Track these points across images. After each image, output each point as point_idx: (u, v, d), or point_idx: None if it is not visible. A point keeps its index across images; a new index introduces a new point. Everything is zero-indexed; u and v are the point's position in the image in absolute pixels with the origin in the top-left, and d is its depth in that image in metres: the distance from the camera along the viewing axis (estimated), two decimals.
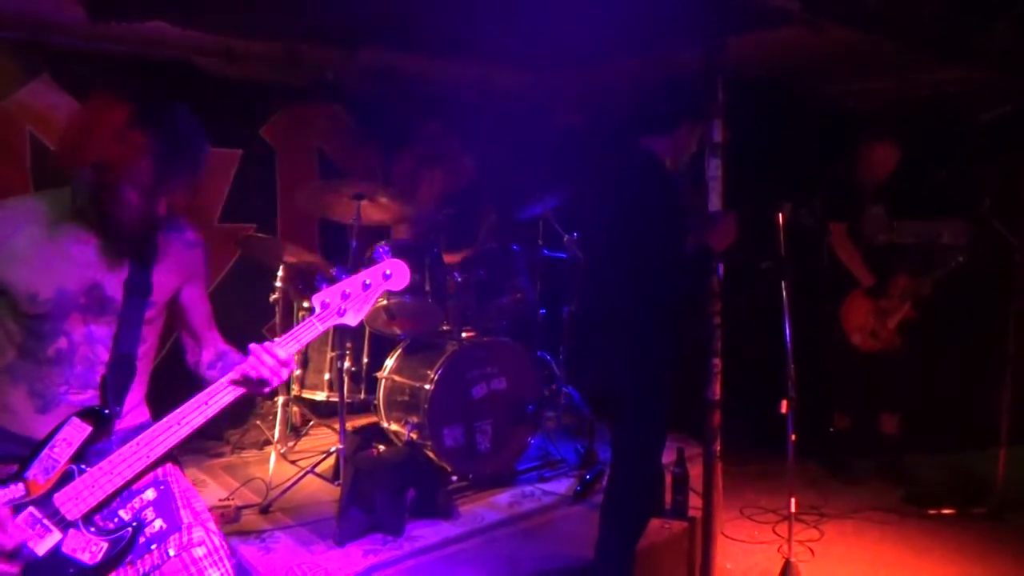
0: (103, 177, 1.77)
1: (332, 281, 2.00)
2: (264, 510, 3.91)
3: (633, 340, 2.96)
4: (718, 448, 3.03)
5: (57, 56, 4.38)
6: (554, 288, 5.73)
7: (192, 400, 1.85)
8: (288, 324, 4.59)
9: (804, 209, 4.97)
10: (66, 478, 1.77)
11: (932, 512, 4.01)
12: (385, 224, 4.82)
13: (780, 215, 3.29)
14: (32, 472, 1.76)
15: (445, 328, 4.50)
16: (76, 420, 1.81)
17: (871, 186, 4.48)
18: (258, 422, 5.01)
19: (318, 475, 4.22)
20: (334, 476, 4.16)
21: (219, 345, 2.14)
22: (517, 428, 4.43)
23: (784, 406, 3.12)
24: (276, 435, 4.59)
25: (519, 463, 4.51)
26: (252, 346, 1.88)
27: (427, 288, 4.14)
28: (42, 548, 1.71)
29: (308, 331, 1.94)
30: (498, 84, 5.92)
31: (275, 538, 3.64)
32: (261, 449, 4.88)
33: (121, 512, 1.87)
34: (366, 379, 4.76)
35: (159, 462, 1.92)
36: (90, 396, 1.89)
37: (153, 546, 1.84)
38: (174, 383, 2.07)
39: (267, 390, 1.91)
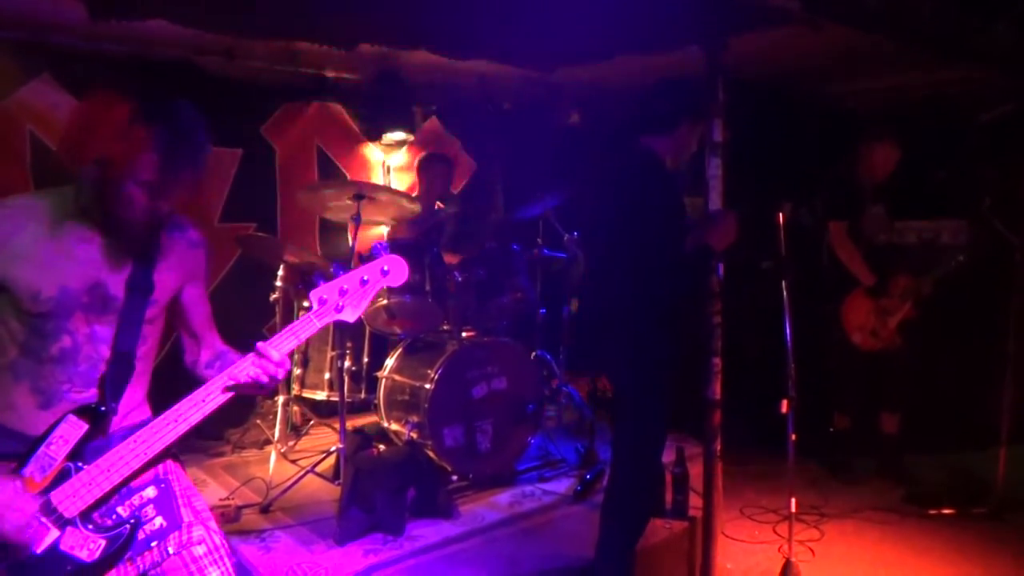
0: (106, 174, 1.76)
1: (330, 278, 1.99)
2: (264, 509, 3.91)
3: (633, 340, 2.96)
4: (718, 448, 3.03)
5: (58, 55, 4.39)
6: (554, 287, 5.74)
7: (189, 397, 1.85)
8: (288, 323, 4.58)
9: (804, 208, 4.98)
10: (63, 476, 1.76)
11: (932, 512, 4.01)
12: (385, 223, 4.82)
13: (780, 214, 3.28)
14: (29, 470, 1.75)
15: (445, 328, 4.50)
16: (72, 417, 1.80)
17: (871, 186, 4.48)
18: (258, 421, 5.01)
19: (318, 474, 4.22)
20: (334, 475, 4.16)
21: (217, 345, 2.14)
22: (517, 428, 4.43)
23: (784, 405, 3.11)
24: (276, 434, 4.60)
25: (519, 463, 4.51)
26: (256, 345, 1.88)
27: (427, 288, 4.14)
28: (40, 546, 1.70)
29: (306, 327, 1.94)
30: (499, 83, 5.92)
31: (275, 537, 3.64)
32: (261, 448, 4.88)
33: (120, 509, 1.86)
34: (366, 378, 4.76)
35: (158, 459, 1.92)
36: (92, 394, 1.88)
37: (153, 543, 1.84)
38: (174, 383, 2.07)
39: (263, 391, 1.91)
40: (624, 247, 2.93)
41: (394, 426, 4.41)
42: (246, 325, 4.83)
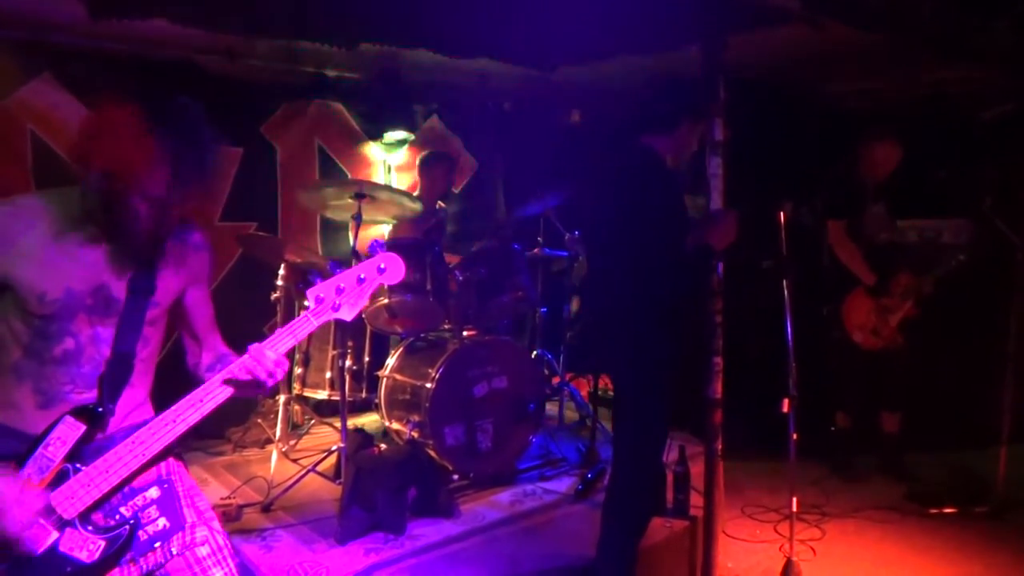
0: (114, 187, 1.75)
1: (327, 276, 1.98)
2: (265, 508, 3.92)
3: (634, 339, 2.95)
4: (720, 447, 3.03)
5: (58, 55, 4.38)
6: (555, 286, 5.74)
7: (187, 397, 1.85)
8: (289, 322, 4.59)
9: (805, 208, 4.97)
10: (61, 477, 1.76)
11: (933, 511, 4.00)
12: (387, 222, 4.82)
13: (781, 214, 3.28)
14: (27, 471, 1.75)
15: (446, 327, 4.50)
16: (70, 419, 1.80)
17: (872, 185, 4.47)
18: (259, 420, 5.01)
19: (319, 474, 4.23)
20: (335, 475, 4.17)
21: (219, 348, 2.14)
22: (518, 427, 4.43)
23: (785, 405, 3.11)
24: (277, 433, 4.60)
25: (520, 462, 4.51)
26: (249, 347, 1.88)
27: (429, 287, 4.14)
28: (39, 547, 1.71)
29: (303, 326, 1.93)
30: (499, 82, 5.91)
31: (277, 536, 3.64)
32: (262, 448, 4.88)
33: (122, 509, 1.87)
34: (367, 378, 4.76)
35: (159, 459, 1.92)
36: (94, 395, 1.88)
37: (156, 544, 1.84)
38: (175, 383, 2.06)
39: (261, 390, 1.91)
40: (625, 246, 2.93)
41: (395, 425, 4.41)
42: (247, 324, 4.83)
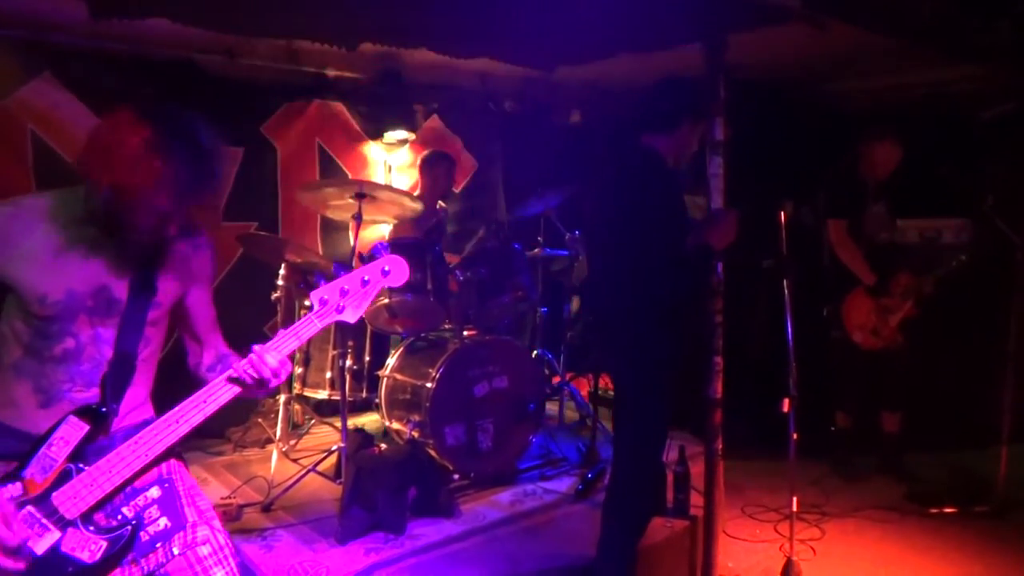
0: (121, 200, 1.75)
1: (331, 278, 1.99)
2: (266, 508, 3.92)
3: (634, 339, 2.96)
4: (720, 446, 3.03)
5: (58, 54, 4.38)
6: (555, 286, 5.75)
7: (191, 398, 1.85)
8: (290, 322, 4.53)
9: (806, 207, 4.98)
10: (64, 477, 1.76)
11: (934, 511, 4.00)
12: (387, 222, 4.82)
13: (782, 213, 3.28)
14: (30, 471, 1.75)
15: (447, 327, 4.51)
16: (73, 418, 1.81)
17: (873, 184, 4.47)
18: (260, 420, 5.01)
19: (320, 473, 4.23)
20: (336, 474, 4.17)
21: (221, 348, 2.14)
22: (519, 426, 4.43)
23: (786, 404, 3.11)
24: (278, 433, 4.60)
25: (521, 461, 4.51)
26: (253, 348, 1.88)
27: (429, 286, 4.14)
28: (41, 547, 1.71)
29: (307, 328, 1.94)
30: (500, 81, 5.92)
31: (277, 536, 3.65)
32: (263, 447, 4.88)
33: (124, 509, 1.87)
34: (368, 377, 4.76)
35: (161, 460, 1.92)
36: (93, 394, 1.88)
37: (158, 544, 1.84)
38: (175, 383, 2.07)
39: (264, 392, 1.91)
40: (625, 246, 2.93)
41: (395, 425, 4.41)
42: (247, 324, 4.84)
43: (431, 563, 3.45)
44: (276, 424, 4.65)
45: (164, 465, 1.98)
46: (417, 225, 5.00)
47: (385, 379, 4.45)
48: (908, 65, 4.76)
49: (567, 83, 5.86)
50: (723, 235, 2.86)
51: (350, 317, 1.98)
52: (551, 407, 5.38)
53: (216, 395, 1.86)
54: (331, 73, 5.36)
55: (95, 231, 1.84)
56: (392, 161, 5.94)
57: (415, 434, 4.14)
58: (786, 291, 3.20)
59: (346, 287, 1.97)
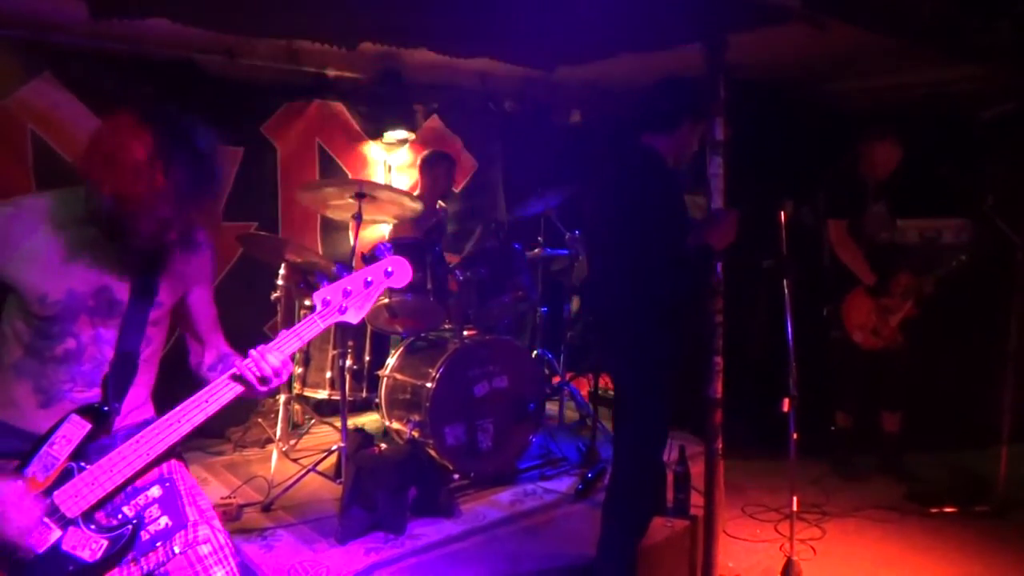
0: (122, 207, 1.74)
1: (333, 278, 1.99)
2: (266, 508, 3.92)
3: (634, 339, 2.95)
4: (720, 446, 3.03)
5: (58, 54, 4.38)
6: (555, 286, 5.74)
7: (193, 398, 1.85)
8: (290, 322, 4.59)
9: (806, 207, 4.98)
10: (65, 476, 1.76)
11: (934, 510, 4.00)
12: (386, 222, 4.82)
13: (782, 213, 3.28)
14: (31, 469, 1.75)
15: (447, 326, 4.51)
16: (75, 417, 1.81)
17: (873, 184, 4.47)
18: (260, 420, 5.01)
19: (320, 473, 4.23)
20: (336, 474, 4.17)
21: (222, 348, 2.14)
22: (519, 426, 4.44)
23: (786, 404, 3.11)
24: (278, 433, 4.60)
25: (521, 461, 4.51)
26: (253, 350, 1.88)
27: (429, 286, 4.14)
28: (42, 545, 1.71)
29: (309, 328, 1.94)
30: (500, 81, 5.92)
31: (277, 536, 3.65)
32: (263, 447, 4.88)
33: (125, 509, 1.87)
34: (368, 377, 4.76)
35: (161, 459, 1.92)
36: (94, 394, 1.88)
37: (158, 543, 1.85)
38: (176, 382, 2.07)
39: (266, 390, 1.91)
40: (625, 246, 2.92)
41: (395, 425, 4.41)
42: (247, 324, 4.84)
43: (431, 563, 3.45)
44: (276, 424, 4.65)
45: (165, 464, 1.98)
46: (417, 225, 5.00)
47: (385, 379, 4.45)
48: (908, 65, 4.76)
49: (567, 83, 5.86)
50: (723, 235, 2.87)
51: (353, 318, 1.98)
52: (551, 407, 5.38)
53: (218, 394, 1.86)
54: (331, 73, 5.37)
55: (96, 232, 1.84)
56: (392, 161, 5.94)
57: (415, 434, 4.14)
58: (786, 291, 3.20)
59: (349, 288, 1.97)
